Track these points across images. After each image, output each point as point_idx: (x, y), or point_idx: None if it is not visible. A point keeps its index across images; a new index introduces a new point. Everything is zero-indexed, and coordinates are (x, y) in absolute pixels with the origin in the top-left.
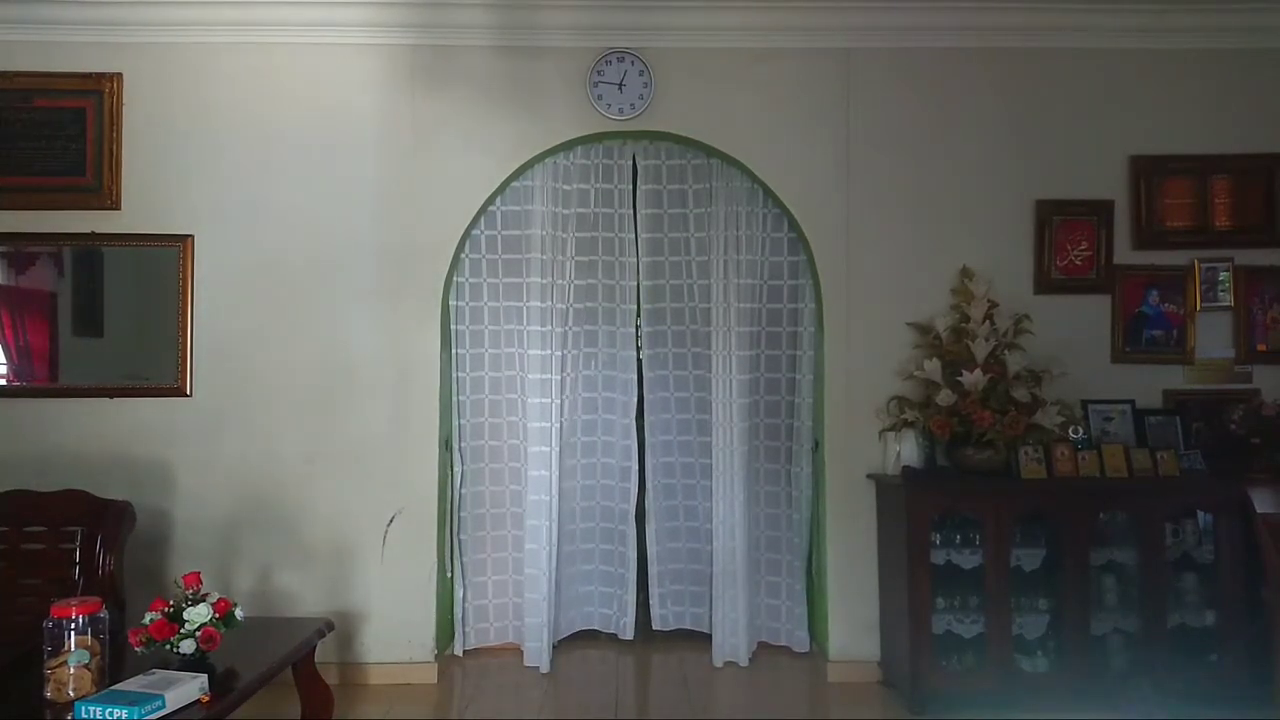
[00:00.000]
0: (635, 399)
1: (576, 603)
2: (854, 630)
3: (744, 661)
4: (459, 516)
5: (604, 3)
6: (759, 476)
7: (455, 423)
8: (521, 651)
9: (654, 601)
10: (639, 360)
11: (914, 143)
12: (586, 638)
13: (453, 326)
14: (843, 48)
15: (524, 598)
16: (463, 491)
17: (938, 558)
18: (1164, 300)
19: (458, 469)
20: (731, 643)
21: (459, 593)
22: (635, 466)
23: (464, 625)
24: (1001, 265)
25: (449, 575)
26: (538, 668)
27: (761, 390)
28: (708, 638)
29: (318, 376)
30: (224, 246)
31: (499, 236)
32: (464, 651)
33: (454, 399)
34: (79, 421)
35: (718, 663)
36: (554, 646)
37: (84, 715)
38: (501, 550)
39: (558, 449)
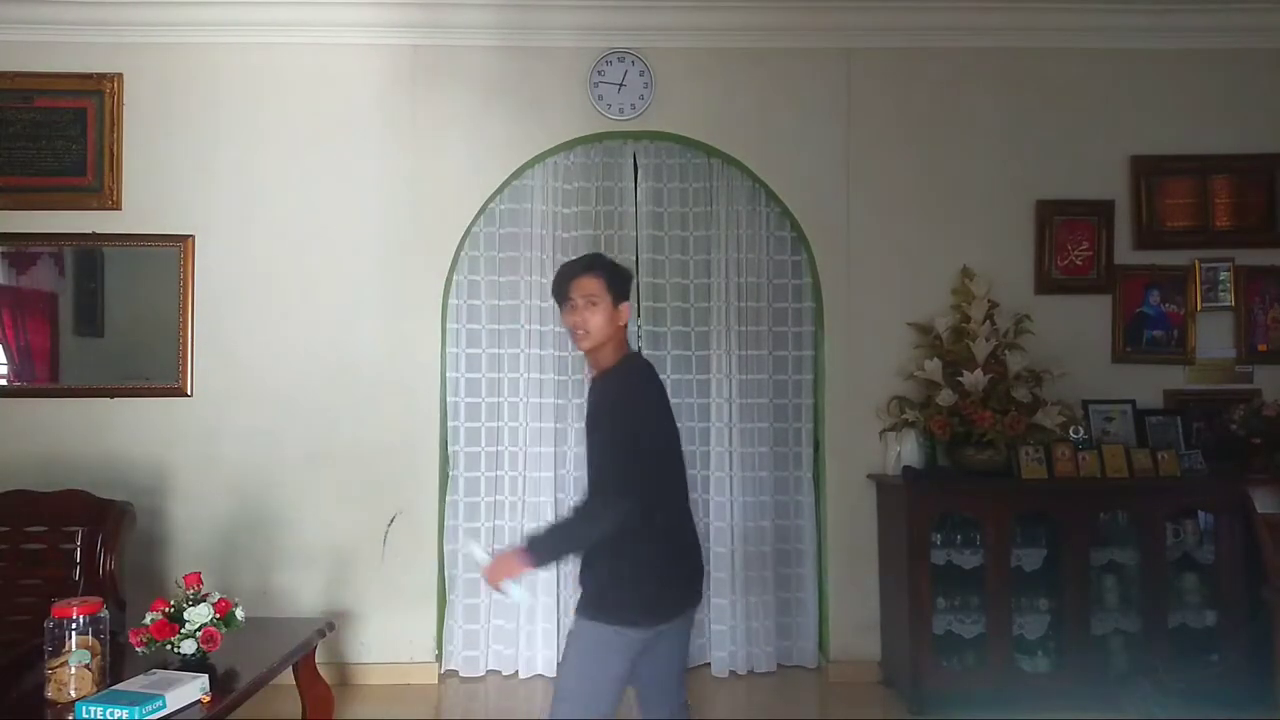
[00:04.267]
0: None
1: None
2: (854, 630)
3: (743, 670)
4: (447, 525)
5: (604, 3)
6: (769, 485)
7: (449, 425)
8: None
9: None
10: None
11: (914, 143)
12: None
13: (450, 325)
14: (843, 48)
15: (521, 624)
16: (453, 497)
17: (938, 558)
18: (1165, 300)
19: (451, 474)
20: (730, 651)
21: (448, 608)
22: None
23: (451, 645)
24: (1002, 265)
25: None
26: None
27: (770, 392)
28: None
29: (318, 376)
30: (224, 246)
31: (498, 235)
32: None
33: (448, 399)
34: (79, 421)
35: (719, 672)
36: None
37: (85, 715)
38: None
39: (560, 450)
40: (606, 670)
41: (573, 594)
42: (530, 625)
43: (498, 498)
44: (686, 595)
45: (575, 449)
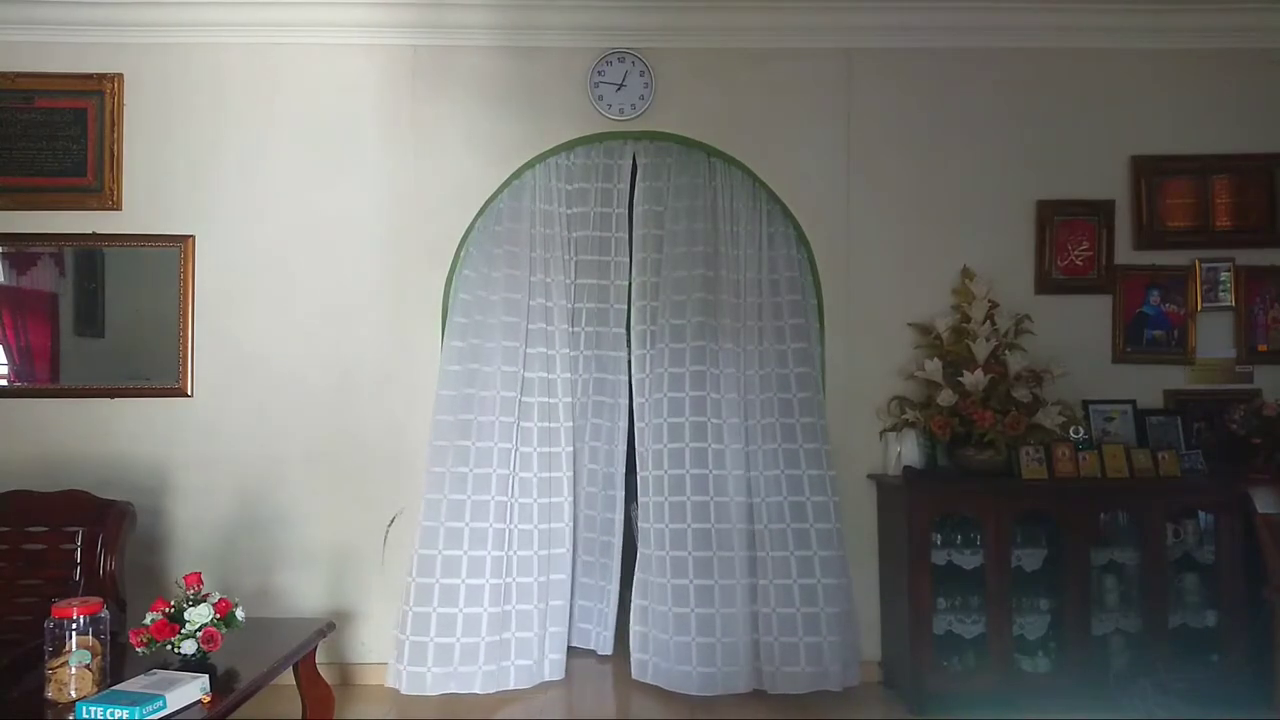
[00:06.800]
0: (626, 401)
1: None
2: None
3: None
4: (425, 526)
5: (604, 3)
6: (778, 486)
7: (435, 419)
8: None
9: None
10: (629, 362)
11: (914, 143)
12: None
13: (447, 321)
14: (843, 48)
15: (512, 633)
16: (436, 498)
17: (938, 558)
18: (1165, 300)
19: (437, 473)
20: (755, 667)
21: (407, 619)
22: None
23: (422, 663)
24: (1002, 265)
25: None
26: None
27: (774, 387)
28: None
29: (318, 376)
30: (224, 246)
31: (496, 233)
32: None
33: (441, 395)
34: (79, 421)
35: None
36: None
37: (85, 715)
38: (478, 576)
39: (570, 449)
40: None
41: (545, 602)
42: (497, 635)
43: (479, 497)
44: None
45: (570, 448)
